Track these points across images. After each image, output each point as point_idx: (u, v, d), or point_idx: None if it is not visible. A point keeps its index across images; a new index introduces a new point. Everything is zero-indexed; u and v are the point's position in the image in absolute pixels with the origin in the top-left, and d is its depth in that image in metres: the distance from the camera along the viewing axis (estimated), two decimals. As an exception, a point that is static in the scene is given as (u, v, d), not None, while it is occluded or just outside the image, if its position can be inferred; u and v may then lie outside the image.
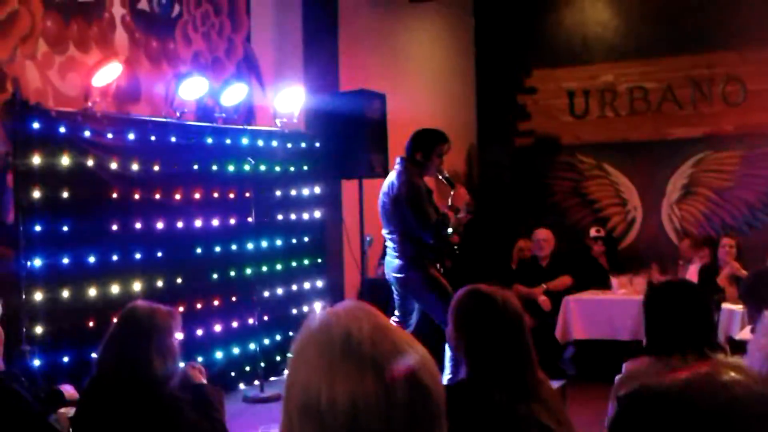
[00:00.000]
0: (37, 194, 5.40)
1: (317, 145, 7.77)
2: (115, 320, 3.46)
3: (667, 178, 10.41)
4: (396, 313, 6.51)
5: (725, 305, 7.30)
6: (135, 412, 3.26)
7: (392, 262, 6.32)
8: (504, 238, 10.00)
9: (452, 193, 6.45)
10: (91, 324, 5.70)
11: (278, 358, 7.30)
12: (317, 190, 7.85)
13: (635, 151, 10.53)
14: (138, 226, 6.08)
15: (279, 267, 7.37)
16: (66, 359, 5.52)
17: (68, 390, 4.62)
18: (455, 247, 6.89)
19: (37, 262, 5.41)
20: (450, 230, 6.34)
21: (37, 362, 5.27)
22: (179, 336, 3.45)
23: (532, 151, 11.07)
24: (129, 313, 3.44)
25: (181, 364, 3.67)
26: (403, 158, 6.36)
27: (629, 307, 8.29)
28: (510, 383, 2.80)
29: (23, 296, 5.31)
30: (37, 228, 5.41)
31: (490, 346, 2.86)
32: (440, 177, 6.50)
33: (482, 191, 10.68)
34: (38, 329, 5.36)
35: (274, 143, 7.37)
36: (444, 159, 6.49)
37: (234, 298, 6.89)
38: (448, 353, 6.07)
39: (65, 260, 5.56)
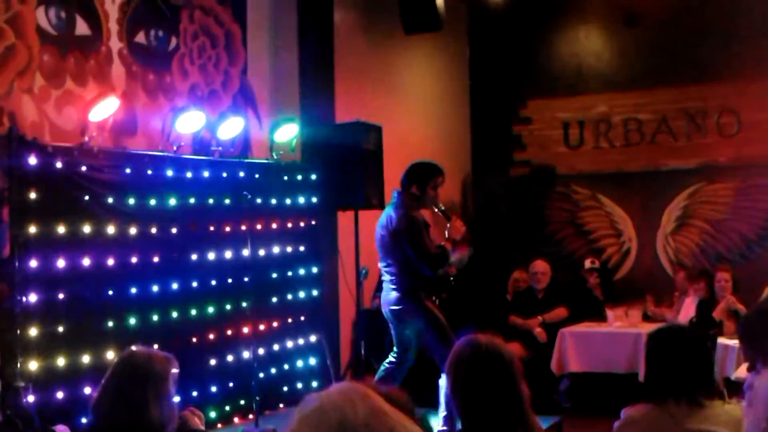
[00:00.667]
0: (32, 229, 5.39)
1: (313, 177, 7.77)
2: (112, 366, 3.43)
3: (662, 209, 10.43)
4: (395, 349, 6.50)
5: (721, 340, 7.30)
6: None
7: (389, 294, 6.32)
8: (499, 269, 9.99)
9: (448, 225, 6.47)
10: (86, 360, 5.67)
11: (274, 392, 7.26)
12: (313, 221, 7.84)
13: (630, 182, 10.56)
14: (134, 260, 6.07)
15: (275, 299, 7.35)
16: (60, 395, 5.48)
17: (63, 431, 4.60)
18: (451, 279, 6.89)
19: (33, 298, 5.39)
20: (451, 260, 6.37)
21: (31, 398, 5.23)
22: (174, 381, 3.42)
23: (528, 181, 11.09)
24: (126, 359, 3.42)
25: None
26: (399, 191, 6.38)
27: (625, 340, 8.29)
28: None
29: (18, 332, 5.28)
30: (33, 263, 5.39)
31: (483, 398, 2.85)
32: (436, 209, 6.52)
33: (477, 221, 10.68)
34: (33, 365, 5.33)
35: (270, 176, 7.36)
36: (439, 191, 6.51)
37: (229, 332, 6.86)
38: (442, 390, 6.07)
39: (61, 296, 5.54)
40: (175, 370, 3.42)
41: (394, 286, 6.30)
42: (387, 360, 6.50)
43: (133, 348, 3.51)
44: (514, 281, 9.63)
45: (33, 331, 5.36)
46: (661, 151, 10.44)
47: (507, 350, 2.96)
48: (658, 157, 10.44)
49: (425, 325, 6.25)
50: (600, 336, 8.50)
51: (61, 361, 5.52)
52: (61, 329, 5.54)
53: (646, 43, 10.45)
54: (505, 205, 11.12)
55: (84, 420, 5.32)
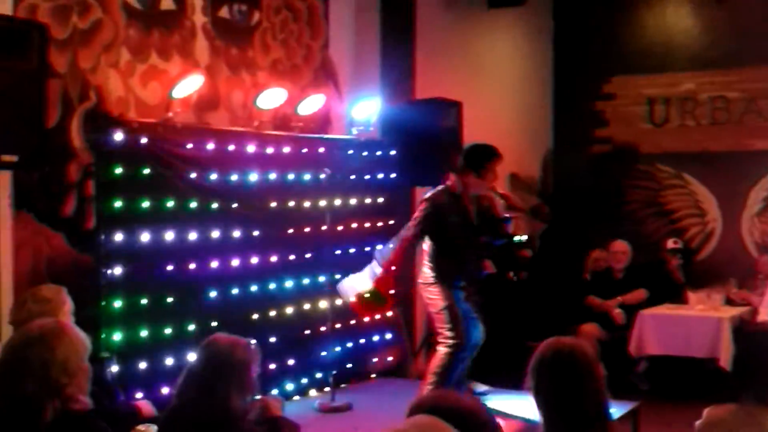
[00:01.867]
0: (117, 204, 5.49)
1: (391, 153, 7.76)
2: (197, 354, 3.50)
3: (747, 190, 10.15)
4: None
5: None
6: None
7: (424, 271, 6.27)
8: (578, 248, 9.87)
9: (499, 201, 6.37)
10: (168, 332, 5.78)
11: (349, 366, 7.32)
12: (390, 198, 7.83)
13: (715, 162, 10.28)
14: (215, 235, 6.15)
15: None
16: (142, 366, 5.61)
17: (145, 406, 4.70)
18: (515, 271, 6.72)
19: (117, 271, 5.50)
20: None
21: (114, 369, 5.36)
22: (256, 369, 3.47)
23: (609, 158, 10.88)
24: (209, 347, 3.48)
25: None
26: (452, 173, 6.32)
27: (705, 324, 8.15)
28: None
29: (102, 304, 5.41)
30: (117, 237, 5.50)
31: (563, 400, 2.83)
32: (492, 193, 6.40)
33: (557, 199, 10.56)
34: (116, 337, 5.46)
35: (350, 152, 7.38)
36: (497, 173, 6.40)
37: (307, 306, 6.93)
38: None
39: (143, 269, 5.65)
40: (256, 357, 3.47)
41: (426, 263, 6.25)
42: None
43: (216, 335, 3.56)
44: (593, 261, 9.52)
45: (117, 303, 5.48)
46: (748, 131, 10.14)
47: (590, 354, 2.92)
48: (745, 137, 10.15)
49: (439, 312, 6.16)
50: (680, 319, 8.36)
51: (143, 333, 5.65)
52: (144, 301, 5.66)
53: (735, 21, 10.12)
54: (585, 182, 10.96)
55: (165, 390, 5.46)
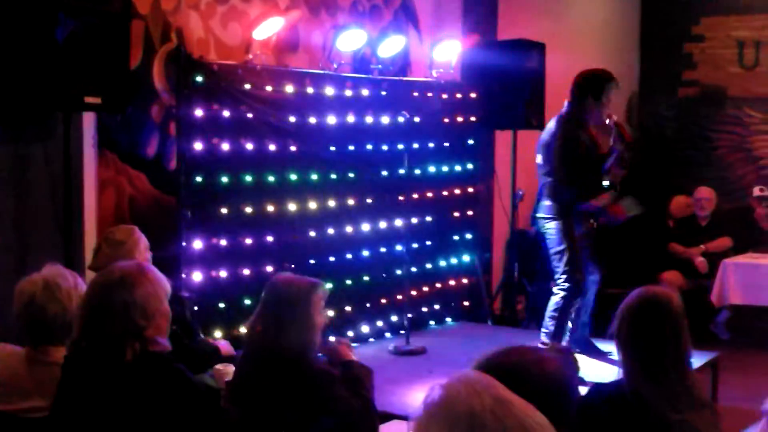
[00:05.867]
0: (198, 146, 5.55)
1: (473, 95, 7.67)
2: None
3: (839, 135, 9.83)
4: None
5: None
6: (279, 384, 3.35)
7: (543, 203, 6.15)
8: (662, 193, 9.68)
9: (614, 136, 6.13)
10: (246, 272, 5.87)
11: (425, 310, 7.35)
12: (470, 141, 7.76)
13: (807, 107, 9.96)
14: (293, 177, 6.18)
15: (429, 219, 7.37)
16: (221, 306, 5.71)
17: (224, 346, 4.79)
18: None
19: (197, 211, 5.58)
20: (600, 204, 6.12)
21: (194, 308, 5.46)
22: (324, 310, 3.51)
23: (697, 102, 10.62)
24: (270, 285, 3.57)
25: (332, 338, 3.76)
26: (568, 102, 6.13)
27: (792, 275, 7.97)
28: (665, 388, 2.76)
29: (183, 244, 5.50)
30: (198, 179, 5.56)
31: (647, 348, 2.83)
32: (608, 121, 6.16)
33: (642, 142, 10.35)
34: (196, 276, 5.56)
35: (429, 94, 7.30)
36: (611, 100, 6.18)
37: (383, 250, 6.94)
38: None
39: (223, 210, 5.72)
40: (320, 296, 3.49)
41: (547, 195, 6.11)
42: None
43: (280, 274, 3.64)
44: (677, 206, 9.33)
45: (197, 244, 5.57)
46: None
47: (678, 305, 2.94)
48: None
49: (556, 246, 6.04)
50: (764, 269, 8.19)
51: (223, 273, 5.74)
52: (223, 242, 5.74)
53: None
54: (672, 126, 10.72)
55: (243, 330, 5.55)
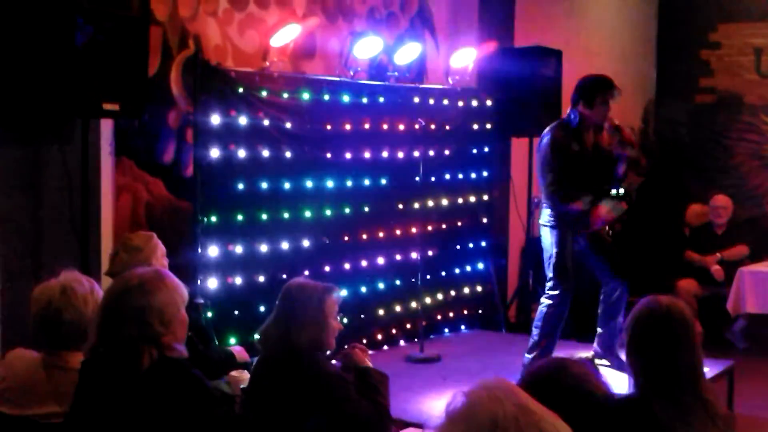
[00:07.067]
0: (215, 152, 5.57)
1: (489, 103, 7.67)
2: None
3: None
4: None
5: None
6: (291, 385, 3.37)
7: (542, 210, 6.10)
8: (678, 200, 9.65)
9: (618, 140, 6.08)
10: (261, 279, 5.88)
11: (439, 318, 7.34)
12: (486, 148, 7.75)
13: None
14: (309, 184, 6.19)
15: (444, 226, 7.36)
16: (237, 312, 5.72)
17: (239, 352, 4.79)
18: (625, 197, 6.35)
19: (213, 217, 5.59)
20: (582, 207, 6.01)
21: (209, 315, 5.48)
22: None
23: (713, 109, 10.58)
24: (283, 288, 3.59)
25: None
26: (571, 109, 6.09)
27: (809, 284, 7.91)
28: (675, 401, 2.74)
29: (198, 250, 5.51)
30: (214, 185, 5.58)
31: (657, 359, 2.80)
32: (609, 125, 6.11)
33: (658, 149, 10.32)
34: (212, 283, 5.57)
35: (446, 101, 7.30)
36: (611, 106, 6.11)
37: (398, 257, 6.94)
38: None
39: (239, 217, 5.73)
40: (334, 299, 3.52)
41: (545, 204, 6.04)
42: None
43: (293, 279, 3.66)
44: (693, 214, 9.29)
45: (213, 250, 5.58)
46: None
47: (687, 314, 2.89)
48: None
49: (550, 252, 5.97)
50: (782, 278, 8.13)
51: (238, 280, 5.75)
52: (239, 249, 5.75)
53: None
54: (688, 133, 10.68)
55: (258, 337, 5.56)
